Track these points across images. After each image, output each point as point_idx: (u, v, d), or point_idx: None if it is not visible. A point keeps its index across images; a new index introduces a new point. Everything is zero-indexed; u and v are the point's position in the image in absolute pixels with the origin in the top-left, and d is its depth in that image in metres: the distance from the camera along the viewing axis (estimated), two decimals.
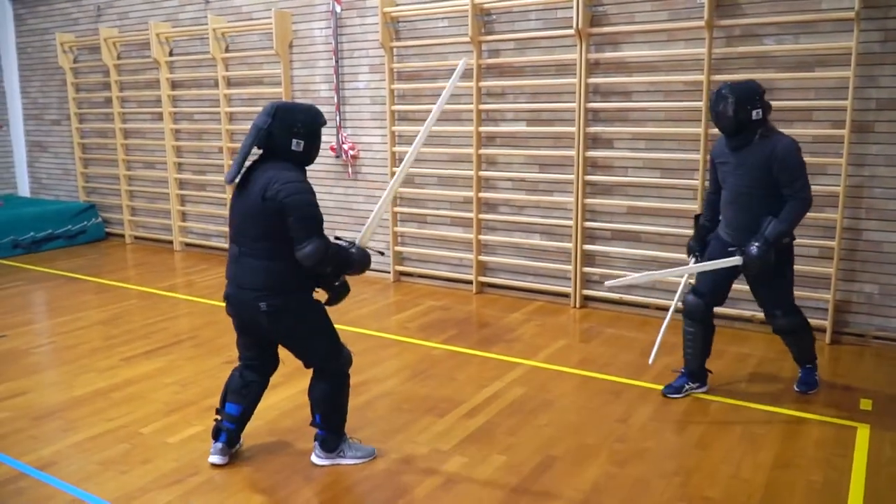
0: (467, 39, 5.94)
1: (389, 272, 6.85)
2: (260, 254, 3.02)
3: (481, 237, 6.28)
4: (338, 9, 6.67)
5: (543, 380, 4.32)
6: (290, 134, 3.02)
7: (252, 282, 3.03)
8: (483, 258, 6.31)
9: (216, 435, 3.30)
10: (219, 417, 3.31)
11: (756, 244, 3.59)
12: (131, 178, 8.88)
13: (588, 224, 5.74)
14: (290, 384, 4.14)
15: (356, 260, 3.14)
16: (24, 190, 10.25)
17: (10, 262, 7.91)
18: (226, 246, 8.02)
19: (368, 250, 3.23)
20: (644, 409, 3.88)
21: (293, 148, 3.05)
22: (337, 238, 3.15)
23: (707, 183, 4.33)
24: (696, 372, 4.06)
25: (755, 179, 3.64)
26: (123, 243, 8.94)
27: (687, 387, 4.05)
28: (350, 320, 5.56)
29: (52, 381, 4.43)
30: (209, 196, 8.15)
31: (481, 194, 6.21)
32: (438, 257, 6.61)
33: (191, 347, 5.01)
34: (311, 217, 2.96)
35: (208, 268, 7.54)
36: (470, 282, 6.41)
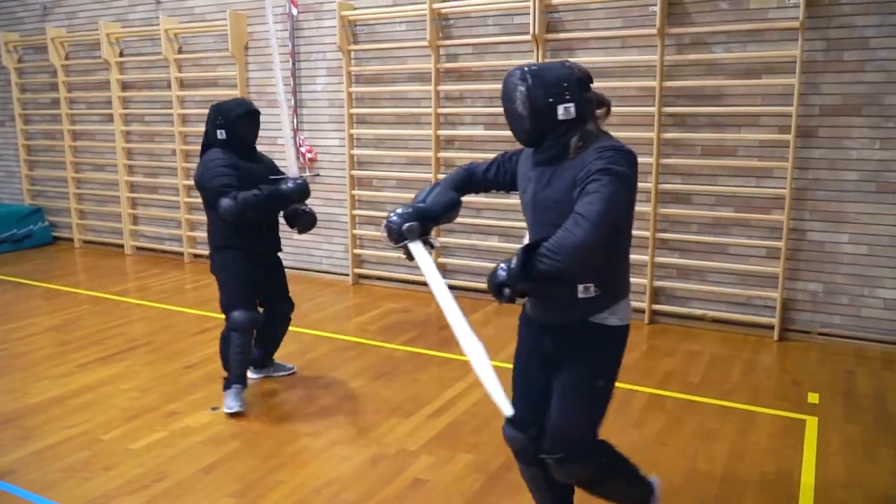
0: (426, 43, 5.99)
1: (348, 275, 6.85)
2: (207, 219, 3.99)
3: (441, 239, 6.33)
4: (294, 11, 6.65)
5: (505, 380, 4.38)
6: (214, 126, 3.85)
7: (208, 240, 4.03)
8: (442, 260, 6.36)
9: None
10: None
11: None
12: (80, 181, 8.67)
13: None
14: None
15: (291, 191, 3.83)
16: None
17: None
18: (178, 249, 7.91)
19: (304, 178, 3.91)
20: None
21: (219, 137, 3.85)
22: (278, 178, 3.91)
23: None
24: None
25: (563, 214, 2.17)
26: (72, 247, 8.72)
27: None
28: (309, 323, 5.55)
29: (5, 388, 4.31)
30: (161, 199, 8.01)
31: None
32: (397, 259, 6.64)
33: (147, 353, 4.94)
34: (212, 185, 3.74)
35: (161, 272, 7.41)
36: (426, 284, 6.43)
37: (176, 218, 7.90)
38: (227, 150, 3.85)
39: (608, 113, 2.33)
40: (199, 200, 7.52)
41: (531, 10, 5.46)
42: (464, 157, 6.15)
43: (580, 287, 2.23)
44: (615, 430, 3.68)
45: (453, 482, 3.18)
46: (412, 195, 6.40)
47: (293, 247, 7.11)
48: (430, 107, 6.14)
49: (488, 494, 3.07)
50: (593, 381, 2.33)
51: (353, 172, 6.64)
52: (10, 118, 9.12)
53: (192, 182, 7.56)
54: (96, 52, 8.06)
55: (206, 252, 7.60)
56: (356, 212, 6.73)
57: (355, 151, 6.61)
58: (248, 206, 3.71)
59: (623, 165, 2.11)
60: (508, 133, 5.81)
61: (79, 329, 5.47)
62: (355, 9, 6.37)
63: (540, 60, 5.58)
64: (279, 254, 4.23)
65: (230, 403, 3.87)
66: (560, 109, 2.19)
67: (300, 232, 4.15)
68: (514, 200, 5.93)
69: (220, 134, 3.85)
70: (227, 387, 3.92)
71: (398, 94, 6.36)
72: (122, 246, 8.36)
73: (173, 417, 3.87)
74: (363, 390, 4.25)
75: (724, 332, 5.26)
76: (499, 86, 5.70)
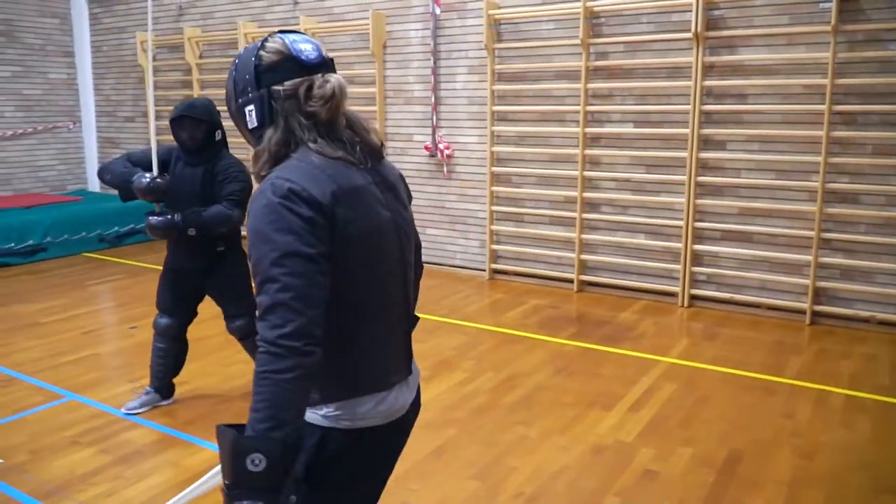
0: (577, 42, 6.03)
1: (484, 270, 6.95)
2: None
3: (583, 236, 6.36)
4: (437, 10, 6.77)
5: (688, 376, 4.41)
6: None
7: None
8: (584, 256, 6.40)
9: None
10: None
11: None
12: None
13: (698, 224, 5.83)
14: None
15: (135, 181, 3.67)
16: (94, 186, 10.37)
17: (98, 255, 8.03)
18: None
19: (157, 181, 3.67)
20: (802, 405, 3.97)
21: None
22: (144, 175, 3.68)
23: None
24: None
25: None
26: None
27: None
28: (466, 315, 5.66)
29: (203, 371, 4.53)
30: None
31: (585, 194, 6.30)
32: (535, 255, 6.70)
33: None
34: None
35: None
36: (569, 280, 6.49)
37: None
38: (175, 149, 3.85)
39: (331, 111, 1.56)
40: None
41: (693, 7, 5.45)
42: (610, 153, 6.17)
43: None
44: (825, 428, 3.67)
45: (685, 474, 3.22)
46: (553, 191, 6.51)
47: (426, 242, 7.25)
48: (576, 104, 6.18)
49: (726, 487, 3.11)
50: None
51: (494, 169, 6.73)
52: (142, 114, 9.52)
53: None
54: (230, 50, 8.35)
55: None
56: (494, 208, 6.82)
57: (496, 148, 6.70)
58: (104, 167, 3.82)
59: (269, 223, 1.43)
60: (659, 130, 5.90)
61: None
62: (500, 8, 6.45)
63: (699, 59, 5.57)
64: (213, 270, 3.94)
65: (131, 403, 3.95)
66: (247, 114, 1.58)
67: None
68: (663, 199, 5.93)
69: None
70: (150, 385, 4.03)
71: (542, 91, 6.42)
72: None
73: None
74: (549, 383, 4.32)
75: (892, 334, 5.16)
76: (651, 84, 5.78)
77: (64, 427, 3.75)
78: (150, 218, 3.68)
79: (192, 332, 4.14)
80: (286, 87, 1.54)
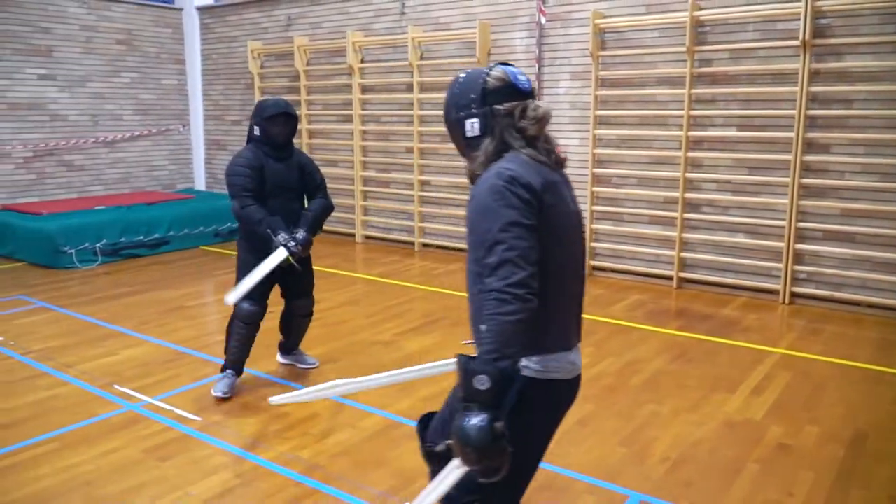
0: (682, 49, 6.34)
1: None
2: None
3: (684, 235, 6.65)
4: (543, 20, 7.15)
5: (801, 366, 4.69)
6: (252, 123, 4.10)
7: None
8: (684, 255, 6.69)
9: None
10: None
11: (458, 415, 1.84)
12: None
13: (800, 224, 6.06)
14: None
15: (261, 229, 3.98)
16: (200, 185, 11.09)
17: (214, 248, 8.68)
18: (408, 239, 8.60)
19: (293, 249, 4.02)
20: None
21: (255, 133, 4.09)
22: (288, 237, 4.02)
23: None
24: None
25: (468, 244, 1.99)
26: None
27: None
28: None
29: (349, 350, 5.01)
30: (392, 192, 8.74)
31: (686, 195, 6.59)
32: (633, 253, 7.02)
33: (448, 326, 5.55)
34: (231, 182, 4.02)
35: (399, 259, 8.11)
36: (668, 277, 6.79)
37: (408, 210, 8.59)
38: (258, 148, 4.05)
39: (540, 128, 1.98)
40: (430, 195, 8.18)
41: (802, 16, 5.70)
42: (713, 156, 6.45)
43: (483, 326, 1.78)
44: None
45: (816, 448, 3.53)
46: (653, 192, 6.82)
47: None
48: (679, 109, 6.48)
49: (856, 461, 3.41)
50: None
51: (595, 170, 7.07)
52: (248, 118, 10.14)
53: (426, 177, 8.25)
54: (336, 58, 8.90)
55: (437, 242, 8.31)
56: (594, 207, 7.16)
57: (598, 150, 7.05)
58: (242, 220, 4.04)
59: (496, 200, 1.81)
60: (761, 134, 6.17)
61: (371, 305, 6.18)
62: (605, 17, 6.79)
63: (806, 65, 5.81)
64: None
65: (220, 387, 4.13)
66: (467, 125, 2.01)
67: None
68: (764, 199, 6.18)
69: (256, 131, 4.07)
70: (222, 370, 4.24)
71: (645, 96, 6.74)
72: (352, 235, 9.16)
73: None
74: (670, 368, 4.66)
75: None
76: (756, 89, 6.03)
77: (246, 391, 4.26)
78: (294, 246, 4.00)
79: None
80: (505, 108, 1.96)
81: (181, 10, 10.62)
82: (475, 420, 1.70)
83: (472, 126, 1.99)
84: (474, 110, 1.99)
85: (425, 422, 2.23)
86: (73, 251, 7.67)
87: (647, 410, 3.99)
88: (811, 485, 3.20)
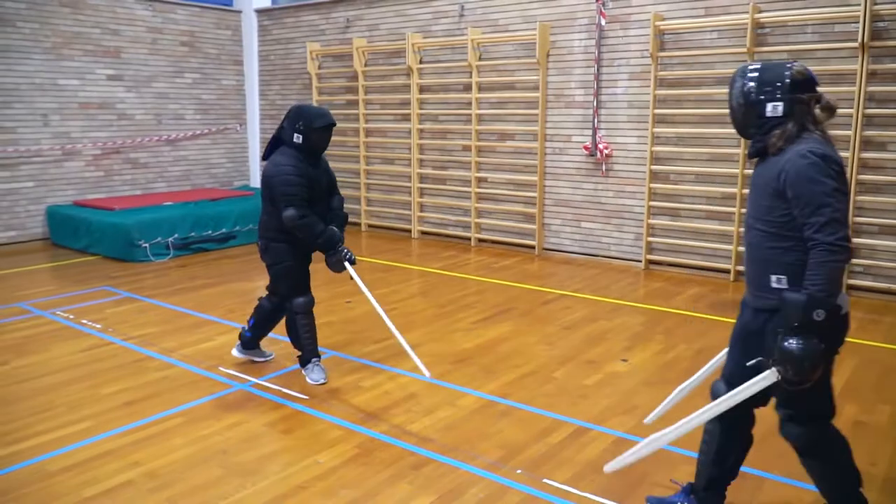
0: (743, 50, 6.56)
1: (640, 261, 7.54)
2: (263, 209, 4.33)
3: (741, 230, 6.88)
4: (602, 22, 7.41)
5: (863, 352, 4.92)
6: (293, 129, 4.13)
7: (259, 229, 4.44)
8: (742, 249, 6.91)
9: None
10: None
11: (789, 340, 2.32)
12: (369, 173, 9.90)
13: (857, 219, 6.27)
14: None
15: (336, 258, 4.28)
16: (255, 182, 11.48)
17: None
18: (465, 234, 8.89)
19: (344, 253, 4.34)
20: None
21: (295, 140, 4.13)
22: (345, 249, 4.34)
23: None
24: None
25: (763, 208, 2.47)
26: (359, 231, 9.96)
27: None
28: (635, 298, 6.30)
29: (431, 338, 5.31)
30: (449, 189, 9.04)
31: (745, 191, 6.81)
32: (690, 247, 7.25)
33: (518, 316, 5.84)
34: (286, 191, 4.08)
35: (457, 253, 8.41)
36: (725, 270, 7.02)
37: (465, 206, 8.89)
38: (298, 154, 4.14)
39: (830, 116, 2.46)
40: (487, 191, 8.43)
41: (860, 19, 5.90)
42: None
43: (773, 278, 2.46)
44: None
45: (890, 426, 3.77)
46: (711, 188, 7.05)
47: (581, 234, 7.91)
48: None
49: None
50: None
51: (652, 167, 7.32)
52: None
53: (482, 174, 8.53)
54: (394, 59, 9.21)
55: (492, 237, 8.59)
56: (652, 203, 7.40)
57: (655, 148, 7.29)
58: (302, 229, 4.13)
59: (819, 166, 2.30)
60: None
61: (440, 296, 6.49)
62: (665, 19, 7.03)
63: (865, 67, 6.01)
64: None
65: (316, 377, 4.37)
66: (768, 107, 2.43)
67: (329, 266, 4.40)
68: None
69: (297, 138, 4.11)
70: (305, 363, 4.43)
71: (704, 96, 6.97)
72: (408, 231, 9.48)
73: (594, 365, 4.71)
74: None
75: None
76: None
77: (345, 373, 4.59)
78: (352, 258, 4.40)
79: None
80: (804, 97, 2.42)
81: (240, 12, 11.02)
82: (810, 343, 2.27)
83: (775, 108, 2.43)
84: (779, 96, 2.41)
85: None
86: (147, 245, 8.06)
87: None
88: (891, 456, 3.44)
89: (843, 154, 6.16)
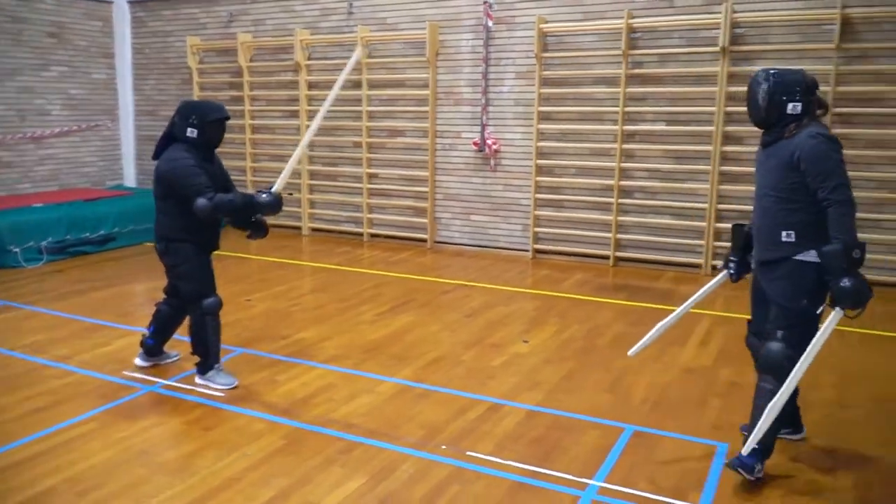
0: (619, 52, 7.09)
1: (527, 250, 7.96)
2: (159, 209, 4.18)
3: (619, 218, 7.43)
4: (489, 23, 7.74)
5: (738, 324, 5.50)
6: (186, 123, 4.04)
7: (156, 230, 4.24)
8: (619, 236, 7.47)
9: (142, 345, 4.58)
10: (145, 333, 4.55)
11: (843, 280, 2.89)
12: (256, 170, 9.76)
13: (720, 206, 6.95)
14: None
15: (265, 203, 3.96)
16: (130, 181, 11.00)
17: None
18: (356, 230, 8.99)
19: (280, 193, 4.03)
20: None
21: (188, 135, 4.04)
22: (259, 191, 4.04)
23: None
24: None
25: (776, 180, 3.11)
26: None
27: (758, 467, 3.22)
28: (527, 286, 6.68)
29: (340, 330, 5.40)
30: (340, 185, 9.11)
31: (620, 182, 7.36)
32: (573, 236, 7.74)
33: (419, 307, 6.04)
34: (190, 182, 3.94)
35: (350, 249, 8.50)
36: (605, 257, 7.56)
37: (356, 202, 8.98)
38: (191, 149, 4.04)
39: (826, 113, 3.15)
40: (378, 187, 8.58)
41: (722, 26, 6.55)
42: (644, 147, 7.24)
43: (783, 233, 3.09)
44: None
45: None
46: (592, 180, 7.55)
47: (471, 227, 8.23)
48: (615, 106, 7.24)
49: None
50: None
51: (538, 162, 7.74)
52: None
53: (373, 170, 8.67)
54: (281, 55, 9.15)
55: (385, 232, 8.75)
56: (537, 195, 7.83)
57: (540, 143, 7.71)
58: (222, 208, 3.92)
59: (829, 145, 2.97)
60: (686, 128, 7.09)
61: (340, 291, 6.57)
62: (548, 22, 7.46)
63: (725, 69, 6.68)
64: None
65: (224, 381, 4.25)
66: (789, 106, 3.04)
67: (250, 238, 4.29)
68: (686, 185, 7.01)
69: (191, 132, 4.01)
70: (208, 369, 4.27)
71: (584, 94, 7.46)
72: (299, 228, 9.45)
73: (498, 348, 5.00)
74: (628, 331, 5.34)
75: None
76: (679, 89, 6.96)
77: (257, 369, 4.61)
78: (265, 195, 3.98)
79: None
80: (813, 98, 3.07)
81: (111, 2, 10.51)
82: (859, 277, 2.87)
83: (795, 107, 3.04)
84: (798, 98, 3.03)
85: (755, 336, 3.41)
86: (18, 250, 7.58)
87: (620, 363, 4.65)
88: None
89: (706, 148, 6.86)
